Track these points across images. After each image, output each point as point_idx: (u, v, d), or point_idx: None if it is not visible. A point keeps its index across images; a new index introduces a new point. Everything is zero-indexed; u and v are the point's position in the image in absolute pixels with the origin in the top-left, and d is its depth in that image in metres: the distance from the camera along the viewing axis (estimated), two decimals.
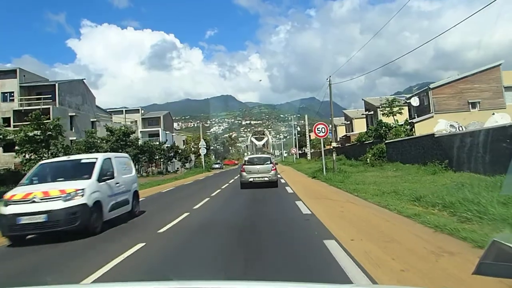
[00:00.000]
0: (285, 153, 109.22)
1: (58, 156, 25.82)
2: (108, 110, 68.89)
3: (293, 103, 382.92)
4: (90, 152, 31.24)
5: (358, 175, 20.62)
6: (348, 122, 54.92)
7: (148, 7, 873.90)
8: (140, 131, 67.68)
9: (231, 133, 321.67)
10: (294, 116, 65.15)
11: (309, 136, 69.41)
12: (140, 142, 43.11)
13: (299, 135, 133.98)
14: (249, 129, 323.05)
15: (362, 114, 47.43)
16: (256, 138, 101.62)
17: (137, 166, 42.39)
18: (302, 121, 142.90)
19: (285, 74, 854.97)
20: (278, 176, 20.54)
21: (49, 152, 25.18)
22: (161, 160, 53.05)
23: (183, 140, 78.78)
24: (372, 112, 41.95)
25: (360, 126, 50.54)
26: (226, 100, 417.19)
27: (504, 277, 1.76)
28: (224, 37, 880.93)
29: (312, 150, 69.64)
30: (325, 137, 22.09)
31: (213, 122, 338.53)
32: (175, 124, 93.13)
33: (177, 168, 63.04)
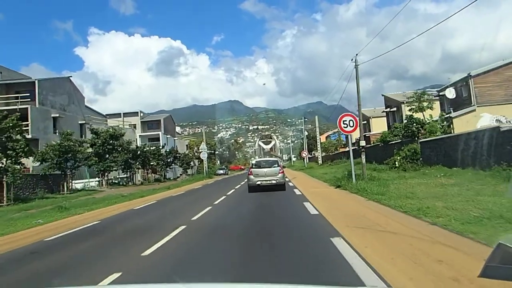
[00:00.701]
0: (294, 157, 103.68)
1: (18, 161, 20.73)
2: (106, 114, 64.17)
3: (300, 107, 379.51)
4: (66, 158, 26.15)
5: (398, 184, 15.17)
6: (365, 122, 49.22)
7: (154, 14, 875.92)
8: (139, 135, 62.79)
9: (237, 138, 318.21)
10: (303, 118, 58.95)
11: (319, 139, 63.99)
12: (132, 146, 37.90)
13: (307, 139, 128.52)
14: (256, 134, 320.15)
15: (382, 112, 41.78)
16: (263, 142, 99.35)
17: (128, 172, 37.25)
18: (310, 125, 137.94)
19: (292, 79, 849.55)
20: (291, 184, 16.93)
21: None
22: (159, 166, 47.89)
23: (186, 145, 73.64)
24: (395, 109, 36.38)
25: (378, 126, 44.91)
26: (233, 105, 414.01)
27: (510, 280, 1.57)
28: (230, 43, 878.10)
29: (323, 154, 64.18)
30: (353, 131, 16.56)
31: (220, 128, 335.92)
32: (179, 129, 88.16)
33: (180, 174, 57.90)
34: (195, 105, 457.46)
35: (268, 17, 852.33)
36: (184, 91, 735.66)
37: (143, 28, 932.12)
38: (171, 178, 52.39)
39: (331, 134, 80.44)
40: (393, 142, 28.69)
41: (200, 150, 43.60)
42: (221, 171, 63.59)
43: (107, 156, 32.01)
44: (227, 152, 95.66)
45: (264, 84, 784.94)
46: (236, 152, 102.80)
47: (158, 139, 62.72)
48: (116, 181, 36.73)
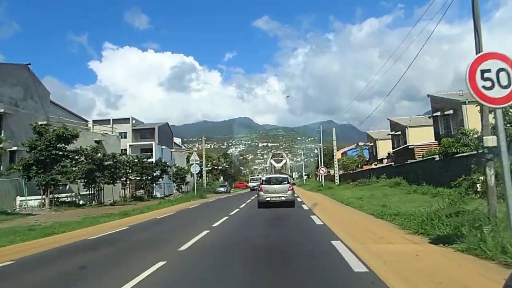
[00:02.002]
0: (305, 174, 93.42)
1: None
2: (93, 120, 55.35)
3: (311, 126, 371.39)
4: None
5: None
6: (398, 133, 39.35)
7: (168, 30, 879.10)
8: (130, 145, 53.61)
9: (246, 155, 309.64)
10: (320, 127, 48.90)
11: (336, 153, 53.88)
12: (99, 154, 28.51)
13: (317, 157, 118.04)
14: (265, 151, 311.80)
15: (429, 118, 31.88)
16: (275, 161, 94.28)
17: (91, 188, 27.83)
18: (320, 144, 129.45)
19: (303, 97, 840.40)
20: (318, 222, 11.02)
21: None
22: (143, 181, 38.39)
23: (186, 158, 64.08)
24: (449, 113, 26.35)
25: (416, 136, 34.90)
26: (244, 122, 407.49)
27: None
28: (242, 60, 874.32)
29: (341, 172, 54.07)
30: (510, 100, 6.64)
31: (230, 144, 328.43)
32: (179, 140, 78.91)
33: (175, 190, 48.31)
34: (205, 121, 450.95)
35: (281, 35, 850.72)
36: (195, 106, 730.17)
37: (156, 44, 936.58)
38: (160, 196, 42.76)
39: (348, 150, 70.25)
40: (463, 154, 18.75)
41: (190, 162, 34.12)
42: (222, 189, 53.79)
43: (50, 165, 22.64)
44: (231, 167, 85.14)
45: (288, 96, 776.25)
46: (242, 168, 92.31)
47: (151, 150, 53.62)
48: (74, 199, 27.29)
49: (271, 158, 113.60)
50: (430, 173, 22.03)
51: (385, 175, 31.62)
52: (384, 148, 44.61)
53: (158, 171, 38.78)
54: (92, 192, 28.13)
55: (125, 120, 55.69)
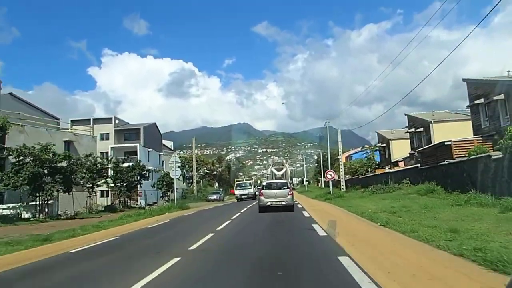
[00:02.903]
0: (306, 180, 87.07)
1: None
2: (72, 120, 49.11)
3: (310, 131, 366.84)
4: None
5: None
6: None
7: (167, 35, 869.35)
8: (111, 147, 47.35)
9: (245, 161, 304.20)
10: (327, 121, 41.71)
11: (341, 155, 47.70)
12: (49, 155, 22.21)
13: (316, 163, 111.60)
14: (265, 157, 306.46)
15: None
16: (276, 169, 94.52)
17: (38, 197, 21.52)
18: (320, 150, 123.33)
19: (302, 103, 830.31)
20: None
21: None
22: (116, 188, 32.09)
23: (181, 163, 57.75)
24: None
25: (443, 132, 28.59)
26: (243, 128, 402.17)
27: None
28: (241, 66, 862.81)
29: (347, 177, 47.79)
30: None
31: (229, 150, 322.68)
32: (171, 144, 72.66)
33: (161, 198, 42.02)
34: (204, 127, 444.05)
35: (280, 41, 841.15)
36: (194, 113, 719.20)
37: (155, 49, 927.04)
38: (139, 206, 36.41)
39: (353, 154, 64.00)
40: None
41: (170, 164, 27.90)
42: (214, 196, 47.41)
43: None
44: (228, 172, 78.03)
45: (283, 103, 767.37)
46: (241, 174, 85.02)
47: (135, 153, 47.45)
48: (17, 212, 20.97)
49: (272, 166, 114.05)
50: (484, 177, 15.77)
51: (409, 180, 25.40)
52: (400, 149, 38.39)
53: (136, 176, 32.43)
54: (40, 202, 21.76)
55: (107, 120, 49.48)
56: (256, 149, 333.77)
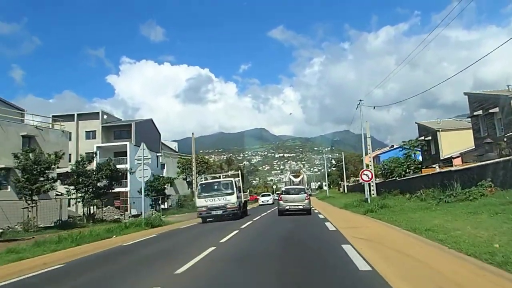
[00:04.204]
0: (325, 184, 77.32)
1: None
2: (53, 115, 41.36)
3: (327, 135, 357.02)
4: None
5: None
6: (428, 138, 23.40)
7: (183, 42, 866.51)
8: (97, 146, 39.42)
9: (262, 166, 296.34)
10: (359, 101, 31.12)
11: (369, 148, 38.49)
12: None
13: (334, 168, 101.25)
14: (282, 162, 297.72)
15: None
16: (293, 176, 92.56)
17: None
18: (337, 154, 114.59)
19: (319, 107, 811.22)
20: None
21: None
22: (89, 195, 23.77)
23: (179, 166, 49.18)
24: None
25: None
26: (260, 133, 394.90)
27: None
28: (258, 71, 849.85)
29: (377, 180, 38.34)
30: None
31: (246, 155, 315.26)
32: (175, 145, 64.39)
33: (151, 208, 33.61)
34: (221, 132, 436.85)
35: (296, 45, 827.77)
36: (211, 118, 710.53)
37: (172, 56, 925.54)
38: (117, 219, 27.97)
39: (381, 154, 54.29)
40: None
41: (136, 160, 19.38)
42: None
43: None
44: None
45: (290, 113, 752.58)
46: (251, 178, 74.75)
47: (125, 154, 39.45)
48: None
49: (290, 174, 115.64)
50: None
51: (490, 182, 16.09)
52: (451, 142, 28.90)
53: (104, 179, 23.96)
54: None
55: (94, 116, 41.56)
56: (273, 154, 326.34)
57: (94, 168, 25.66)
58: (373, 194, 37.76)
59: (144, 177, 18.10)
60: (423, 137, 33.77)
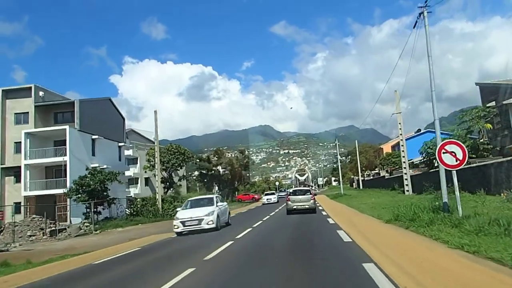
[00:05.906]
0: (334, 180, 65.63)
1: None
2: None
3: (332, 131, 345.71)
4: None
5: None
6: None
7: (185, 39, 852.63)
8: (25, 133, 28.18)
9: (267, 162, 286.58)
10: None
11: (402, 132, 26.96)
12: None
13: (343, 162, 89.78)
14: (287, 159, 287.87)
15: None
16: (299, 175, 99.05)
17: None
18: (342, 149, 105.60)
19: (323, 102, 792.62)
20: None
21: None
22: None
23: (148, 160, 37.07)
24: None
25: None
26: (264, 130, 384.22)
27: None
28: (261, 67, 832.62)
29: (411, 172, 26.94)
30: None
31: (251, 152, 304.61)
32: (153, 136, 52.84)
33: (84, 219, 22.46)
34: (226, 130, 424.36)
35: (298, 40, 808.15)
36: (215, 116, 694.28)
37: (174, 54, 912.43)
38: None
39: (408, 138, 42.48)
40: None
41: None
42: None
43: None
44: (228, 171, 55.65)
45: (291, 108, 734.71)
46: (243, 172, 61.59)
47: (65, 143, 28.12)
48: None
49: (296, 172, 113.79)
50: None
51: None
52: None
53: None
54: None
55: (25, 92, 30.14)
56: (277, 151, 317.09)
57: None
58: (407, 191, 26.64)
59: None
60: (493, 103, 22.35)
